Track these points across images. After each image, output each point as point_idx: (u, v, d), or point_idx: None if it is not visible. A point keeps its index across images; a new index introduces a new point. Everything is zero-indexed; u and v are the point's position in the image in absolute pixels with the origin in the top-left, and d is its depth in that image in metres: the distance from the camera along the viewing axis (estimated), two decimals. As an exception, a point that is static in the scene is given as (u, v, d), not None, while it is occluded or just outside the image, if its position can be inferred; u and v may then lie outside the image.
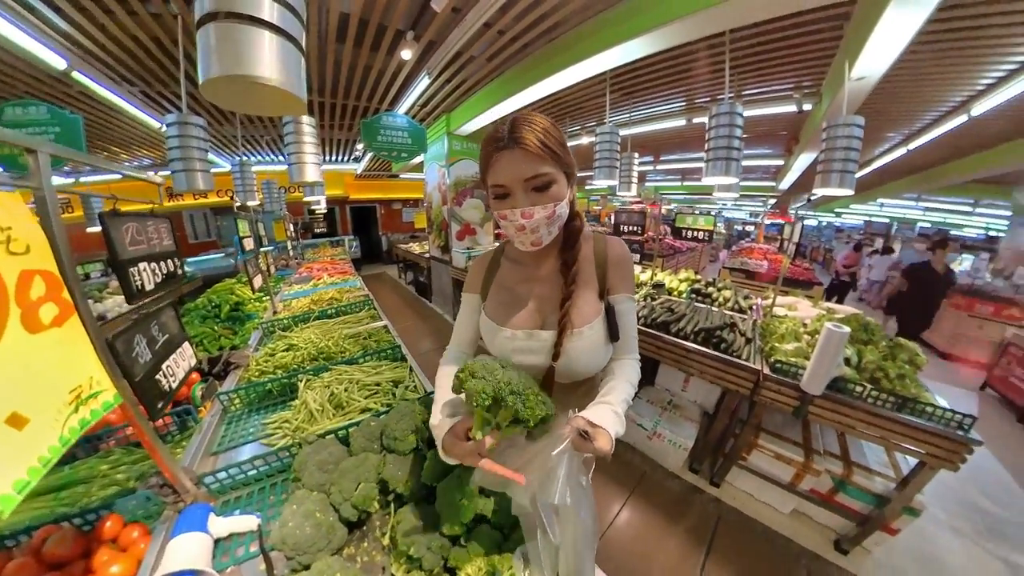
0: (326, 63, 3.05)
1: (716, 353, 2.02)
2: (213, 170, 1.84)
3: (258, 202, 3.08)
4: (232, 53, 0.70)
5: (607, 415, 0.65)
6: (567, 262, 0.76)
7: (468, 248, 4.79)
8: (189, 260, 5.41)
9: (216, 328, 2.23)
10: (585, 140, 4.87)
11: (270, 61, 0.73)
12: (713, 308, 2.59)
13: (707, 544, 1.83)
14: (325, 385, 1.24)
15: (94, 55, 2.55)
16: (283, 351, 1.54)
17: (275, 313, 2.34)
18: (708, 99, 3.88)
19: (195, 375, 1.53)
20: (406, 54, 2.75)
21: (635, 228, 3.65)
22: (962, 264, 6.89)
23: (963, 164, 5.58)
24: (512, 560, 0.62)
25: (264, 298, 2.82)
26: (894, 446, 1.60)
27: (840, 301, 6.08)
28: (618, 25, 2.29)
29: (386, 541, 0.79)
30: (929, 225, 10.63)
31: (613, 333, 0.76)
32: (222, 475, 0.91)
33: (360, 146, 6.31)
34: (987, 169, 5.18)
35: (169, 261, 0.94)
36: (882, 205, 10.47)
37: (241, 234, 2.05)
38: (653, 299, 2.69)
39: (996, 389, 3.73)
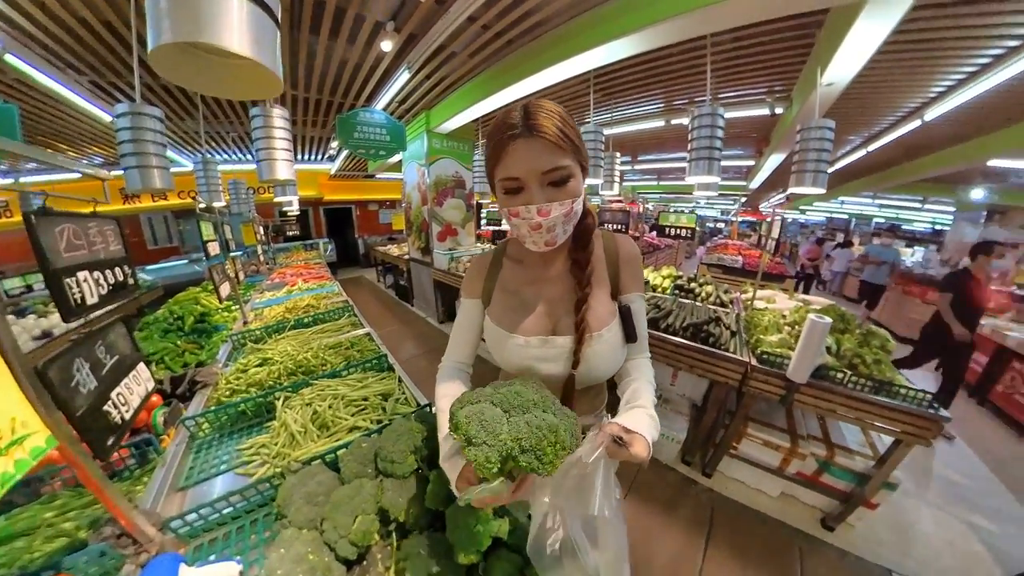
0: (299, 55, 2.88)
1: (705, 347, 2.06)
2: (173, 169, 1.67)
3: (224, 203, 2.87)
4: (190, 16, 0.57)
5: (642, 419, 0.60)
6: (579, 262, 0.71)
7: (450, 249, 4.69)
8: (149, 268, 5.04)
9: (179, 343, 2.05)
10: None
11: (239, 28, 0.60)
12: (697, 303, 2.64)
13: (706, 533, 1.88)
14: (306, 403, 1.13)
15: (33, 37, 2.30)
16: (256, 366, 1.42)
17: (245, 324, 2.18)
18: (686, 101, 3.96)
19: (156, 398, 1.38)
20: (386, 45, 2.63)
21: (620, 227, 3.69)
22: (914, 255, 7.41)
23: (915, 165, 5.97)
24: None
25: (233, 307, 2.63)
26: (871, 427, 1.70)
27: (806, 291, 6.49)
28: (603, 25, 2.28)
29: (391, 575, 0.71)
30: (883, 220, 11.39)
31: (630, 334, 0.72)
32: (192, 517, 0.80)
33: (335, 144, 6.06)
34: (935, 170, 5.57)
35: (117, 269, 0.81)
36: (843, 203, 11.14)
37: (205, 238, 1.88)
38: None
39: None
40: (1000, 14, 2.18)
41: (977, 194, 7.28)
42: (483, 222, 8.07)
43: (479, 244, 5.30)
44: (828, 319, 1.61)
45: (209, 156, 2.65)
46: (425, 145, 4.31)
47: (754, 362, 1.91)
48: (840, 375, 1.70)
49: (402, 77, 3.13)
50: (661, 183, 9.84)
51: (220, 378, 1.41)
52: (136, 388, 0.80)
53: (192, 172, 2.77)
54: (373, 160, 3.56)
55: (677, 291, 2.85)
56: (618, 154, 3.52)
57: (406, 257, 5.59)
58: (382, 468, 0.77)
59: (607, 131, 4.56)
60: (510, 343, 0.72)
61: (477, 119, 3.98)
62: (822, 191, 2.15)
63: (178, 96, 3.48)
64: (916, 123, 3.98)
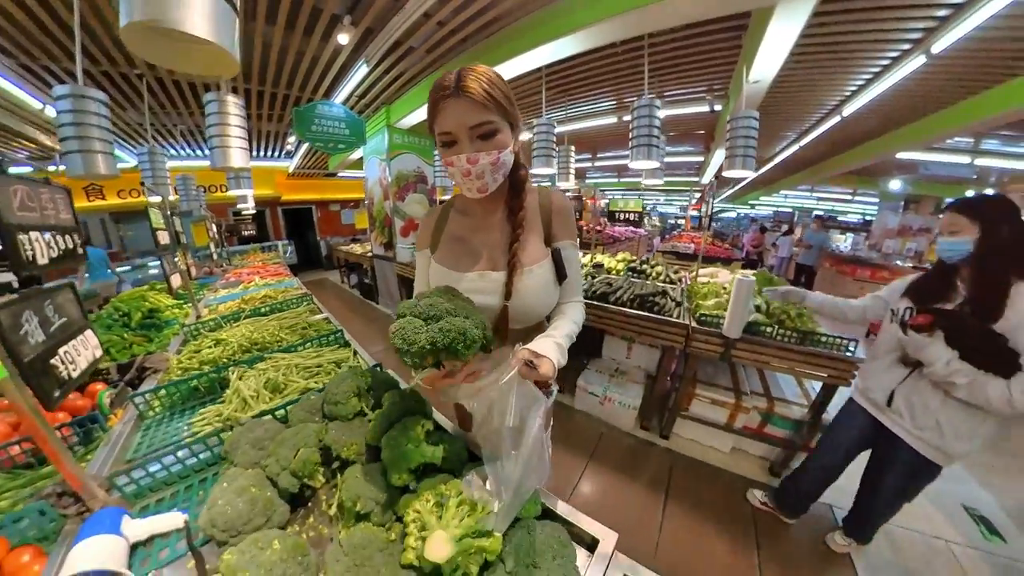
0: (254, 46, 2.82)
1: (651, 315, 2.25)
2: (118, 165, 1.62)
3: (173, 198, 2.76)
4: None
5: (549, 346, 0.70)
6: (513, 209, 0.80)
7: (413, 243, 4.70)
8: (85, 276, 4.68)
9: (126, 336, 1.97)
10: (525, 136, 5.01)
11: (201, 11, 0.69)
12: (647, 281, 2.84)
13: (664, 490, 2.03)
14: (261, 372, 1.17)
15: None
16: (210, 347, 1.42)
17: (199, 318, 2.13)
18: (635, 98, 4.21)
19: (100, 384, 1.36)
20: (343, 38, 2.64)
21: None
22: (846, 242, 8.16)
23: (841, 159, 6.61)
24: (460, 484, 0.65)
25: (185, 304, 2.54)
26: (802, 374, 1.93)
27: (751, 275, 7.22)
28: (550, 23, 2.42)
29: (333, 511, 0.75)
30: (822, 212, 12.44)
31: (560, 274, 0.82)
32: (138, 473, 0.81)
33: (292, 139, 5.89)
34: (856, 162, 6.20)
35: (68, 237, 0.83)
36: (786, 196, 12.08)
37: (155, 226, 1.83)
38: (593, 277, 2.87)
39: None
40: (893, 20, 2.51)
41: (895, 185, 8.14)
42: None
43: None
44: (752, 277, 1.82)
45: (156, 149, 2.55)
46: (386, 140, 4.31)
47: (694, 324, 2.11)
48: (769, 329, 1.92)
49: (360, 71, 3.14)
50: (621, 180, 10.24)
51: (172, 361, 1.39)
52: (83, 352, 0.82)
53: (136, 168, 2.64)
54: (332, 153, 3.52)
55: (630, 272, 3.05)
56: (573, 148, 3.69)
57: (369, 254, 5.53)
58: (327, 412, 0.84)
59: (564, 127, 4.76)
60: (450, 278, 0.81)
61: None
62: (751, 173, 2.40)
63: (120, 84, 3.29)
64: (836, 119, 4.42)
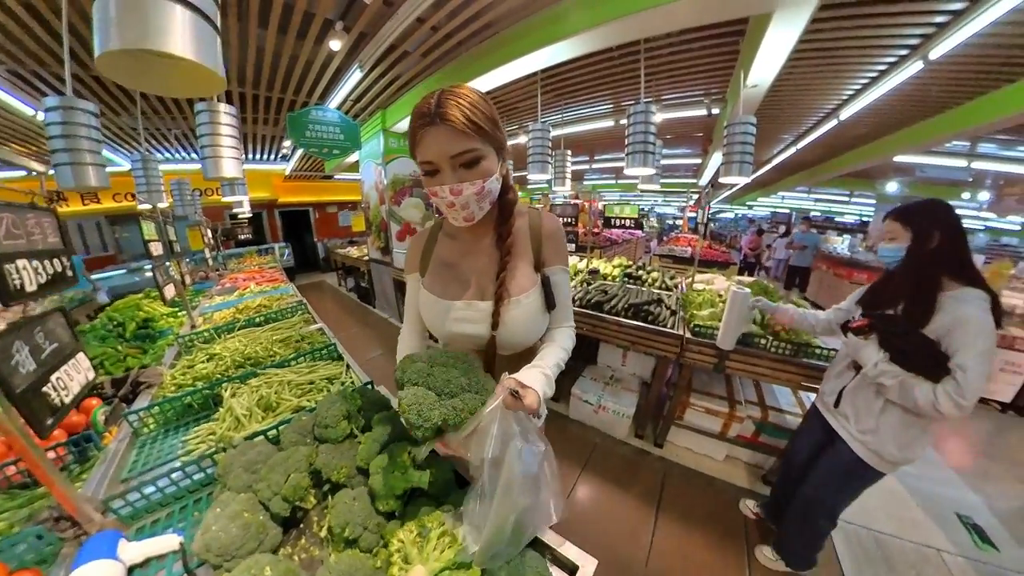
0: (247, 49, 2.81)
1: (645, 324, 2.24)
2: (109, 169, 1.60)
3: (167, 204, 2.75)
4: (137, 23, 0.63)
5: (536, 376, 0.70)
6: (502, 235, 0.79)
7: (411, 249, 4.70)
8: (80, 279, 4.65)
9: (120, 348, 1.97)
10: (522, 139, 5.00)
11: (182, 34, 0.67)
12: (643, 288, 2.84)
13: (657, 499, 2.02)
14: (253, 389, 1.17)
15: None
16: (203, 362, 1.42)
17: (193, 327, 2.13)
18: (633, 102, 4.21)
19: (95, 400, 1.35)
20: (335, 45, 2.63)
21: (570, 219, 3.89)
22: (843, 243, 8.19)
23: (838, 161, 6.63)
24: (443, 516, 0.66)
25: (179, 312, 2.54)
26: (798, 386, 1.91)
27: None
28: (547, 28, 2.41)
29: (324, 533, 0.77)
30: (819, 214, 12.49)
31: (550, 302, 0.80)
32: (134, 496, 0.82)
33: (287, 143, 5.88)
34: (854, 165, 6.22)
35: (55, 260, 0.82)
36: (783, 198, 12.10)
37: (147, 237, 1.82)
38: (589, 283, 2.87)
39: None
40: (889, 26, 2.52)
41: (892, 187, 8.17)
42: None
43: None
44: (747, 289, 1.80)
45: (148, 154, 2.53)
46: (381, 144, 4.30)
47: (688, 335, 2.10)
48: (763, 341, 1.90)
49: (355, 76, 3.13)
50: (619, 181, 10.26)
51: (165, 376, 1.40)
52: (76, 376, 0.82)
53: (130, 172, 2.63)
54: (327, 159, 3.52)
55: (627, 278, 3.04)
56: (569, 152, 3.68)
57: (366, 258, 5.52)
58: (318, 435, 0.84)
59: (560, 131, 4.76)
60: (438, 307, 0.80)
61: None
62: (747, 180, 2.40)
63: (113, 90, 3.28)
64: (834, 122, 4.44)
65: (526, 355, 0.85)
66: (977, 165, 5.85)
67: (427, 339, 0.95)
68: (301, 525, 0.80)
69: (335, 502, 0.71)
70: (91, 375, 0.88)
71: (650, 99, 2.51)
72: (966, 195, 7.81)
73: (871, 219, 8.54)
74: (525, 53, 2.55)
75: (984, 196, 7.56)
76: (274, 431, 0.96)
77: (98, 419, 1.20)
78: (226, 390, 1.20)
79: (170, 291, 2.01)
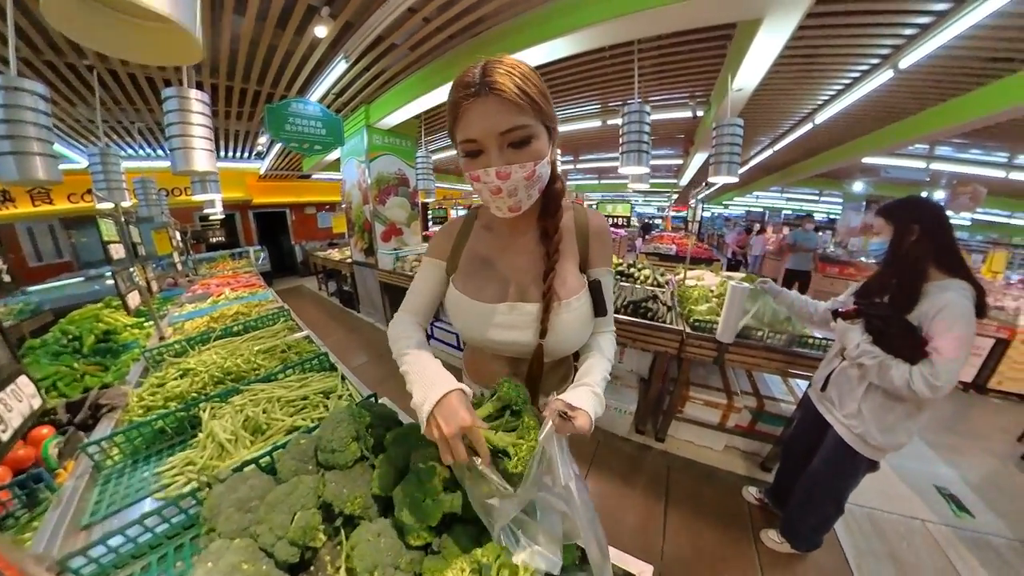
0: (221, 38, 2.61)
1: (646, 321, 2.25)
2: (65, 166, 1.42)
3: (130, 204, 2.51)
4: None
5: (586, 397, 0.62)
6: (548, 230, 0.69)
7: (395, 249, 4.54)
8: (31, 288, 4.20)
9: (77, 365, 1.76)
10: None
11: None
12: (636, 285, 2.85)
13: (664, 492, 2.05)
14: (237, 409, 1.04)
15: None
16: (175, 379, 1.27)
17: (162, 339, 1.94)
18: (620, 103, 4.22)
19: (46, 429, 1.17)
20: (320, 31, 2.48)
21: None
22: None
23: (811, 162, 6.91)
24: (496, 547, 0.57)
25: (146, 323, 2.32)
26: (789, 374, 1.98)
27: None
28: (541, 25, 2.37)
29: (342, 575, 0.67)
30: (791, 212, 13.04)
31: (600, 308, 0.71)
32: (98, 551, 0.67)
33: (263, 139, 5.57)
34: (826, 166, 6.50)
35: None
36: (757, 197, 12.56)
37: (106, 238, 1.63)
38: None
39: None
40: (865, 36, 2.64)
41: (858, 187, 8.60)
42: (430, 223, 7.92)
43: (426, 244, 5.20)
44: (746, 284, 1.85)
45: (108, 148, 2.31)
46: (365, 141, 4.13)
47: (688, 330, 2.12)
48: (760, 332, 1.96)
49: (339, 67, 2.98)
50: (602, 182, 10.35)
51: (131, 397, 1.23)
52: (17, 405, 0.69)
53: (87, 170, 2.39)
54: (308, 155, 3.33)
55: (618, 276, 3.04)
56: (559, 151, 3.65)
57: (349, 260, 5.31)
58: (322, 460, 0.73)
59: (549, 130, 4.72)
60: (477, 311, 0.70)
61: (420, 114, 3.90)
62: (735, 179, 2.42)
63: (67, 76, 2.98)
64: (809, 126, 4.60)
65: (565, 363, 0.77)
66: (935, 166, 6.24)
67: (425, 332, 0.84)
68: (312, 567, 0.68)
69: (355, 540, 0.61)
70: (36, 403, 0.75)
71: (640, 98, 2.49)
72: (924, 194, 8.30)
73: (839, 217, 8.96)
74: (517, 50, 2.49)
75: (940, 195, 8.08)
76: (267, 458, 0.84)
77: (50, 453, 1.04)
78: (205, 411, 1.06)
79: (134, 299, 1.82)
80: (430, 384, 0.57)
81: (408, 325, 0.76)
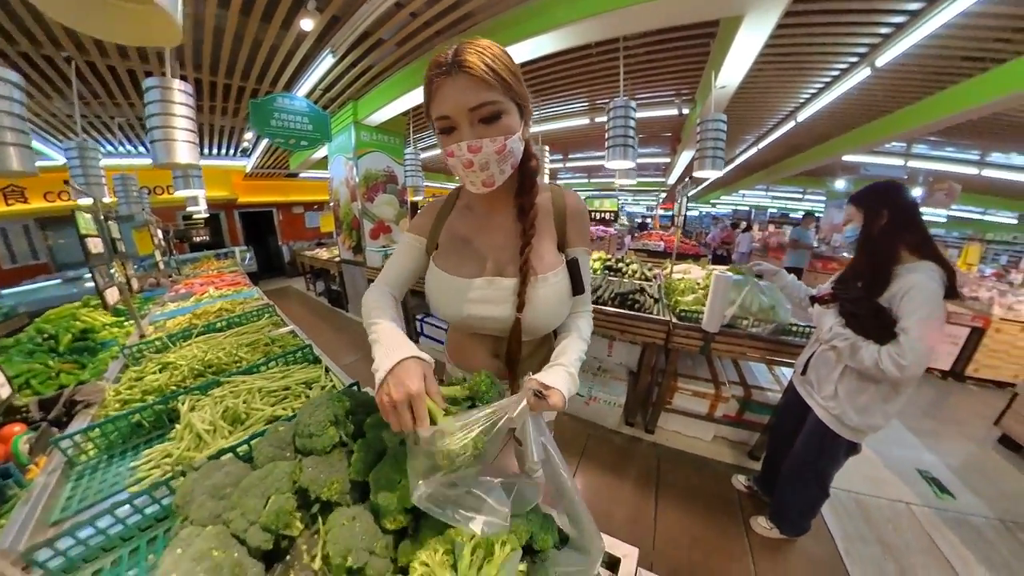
0: (204, 31, 2.56)
1: (633, 312, 2.28)
2: (41, 163, 1.38)
3: (110, 200, 2.45)
4: None
5: (560, 376, 0.64)
6: (524, 206, 0.71)
7: (384, 247, 4.51)
8: (5, 291, 4.05)
9: (52, 363, 1.71)
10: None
11: None
12: (624, 279, 2.88)
13: (655, 482, 2.07)
14: (217, 401, 1.02)
15: None
16: (154, 372, 1.24)
17: (143, 337, 1.89)
18: (607, 100, 4.26)
19: (17, 427, 1.14)
20: (307, 24, 2.45)
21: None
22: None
23: (794, 160, 7.04)
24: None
25: (126, 321, 2.27)
26: (774, 363, 2.01)
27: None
28: (528, 21, 2.39)
29: (317, 564, 0.63)
30: (776, 210, 13.29)
31: (577, 286, 0.74)
32: (66, 542, 0.65)
33: (249, 136, 5.48)
34: (810, 164, 6.64)
35: None
36: (743, 195, 12.77)
37: (84, 232, 1.58)
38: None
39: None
40: (843, 35, 2.72)
41: (840, 184, 8.80)
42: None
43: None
44: (730, 273, 1.89)
45: (86, 143, 2.25)
46: (353, 138, 4.09)
47: (674, 320, 2.15)
48: (745, 321, 1.99)
49: (325, 62, 2.95)
50: (592, 180, 10.41)
51: (108, 392, 1.20)
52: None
53: (65, 166, 2.32)
54: (294, 151, 3.29)
55: (607, 271, 3.07)
56: (547, 148, 3.66)
57: (337, 259, 5.26)
58: (300, 446, 0.72)
59: (537, 127, 4.74)
60: (453, 286, 0.72)
61: (408, 111, 3.88)
62: (719, 174, 2.47)
63: (43, 68, 2.88)
64: (792, 124, 4.70)
65: (544, 343, 0.78)
66: (912, 164, 6.42)
67: (399, 305, 0.83)
68: (288, 557, 0.66)
69: (330, 525, 0.60)
70: (5, 392, 0.73)
71: (626, 95, 2.53)
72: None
73: (822, 215, 9.17)
74: (506, 45, 2.50)
75: (917, 192, 8.32)
76: (245, 447, 0.83)
77: (20, 448, 1.00)
78: (183, 403, 1.05)
79: (113, 295, 1.78)
80: (390, 350, 0.58)
81: (382, 295, 0.78)
